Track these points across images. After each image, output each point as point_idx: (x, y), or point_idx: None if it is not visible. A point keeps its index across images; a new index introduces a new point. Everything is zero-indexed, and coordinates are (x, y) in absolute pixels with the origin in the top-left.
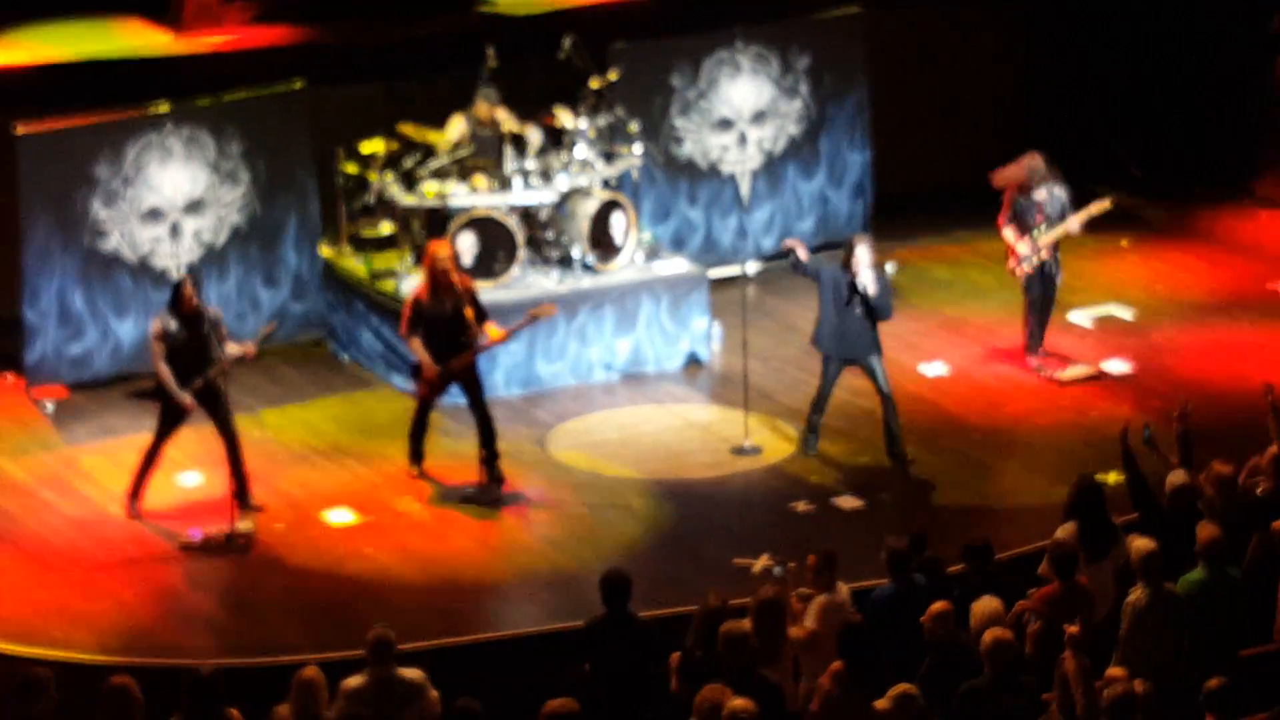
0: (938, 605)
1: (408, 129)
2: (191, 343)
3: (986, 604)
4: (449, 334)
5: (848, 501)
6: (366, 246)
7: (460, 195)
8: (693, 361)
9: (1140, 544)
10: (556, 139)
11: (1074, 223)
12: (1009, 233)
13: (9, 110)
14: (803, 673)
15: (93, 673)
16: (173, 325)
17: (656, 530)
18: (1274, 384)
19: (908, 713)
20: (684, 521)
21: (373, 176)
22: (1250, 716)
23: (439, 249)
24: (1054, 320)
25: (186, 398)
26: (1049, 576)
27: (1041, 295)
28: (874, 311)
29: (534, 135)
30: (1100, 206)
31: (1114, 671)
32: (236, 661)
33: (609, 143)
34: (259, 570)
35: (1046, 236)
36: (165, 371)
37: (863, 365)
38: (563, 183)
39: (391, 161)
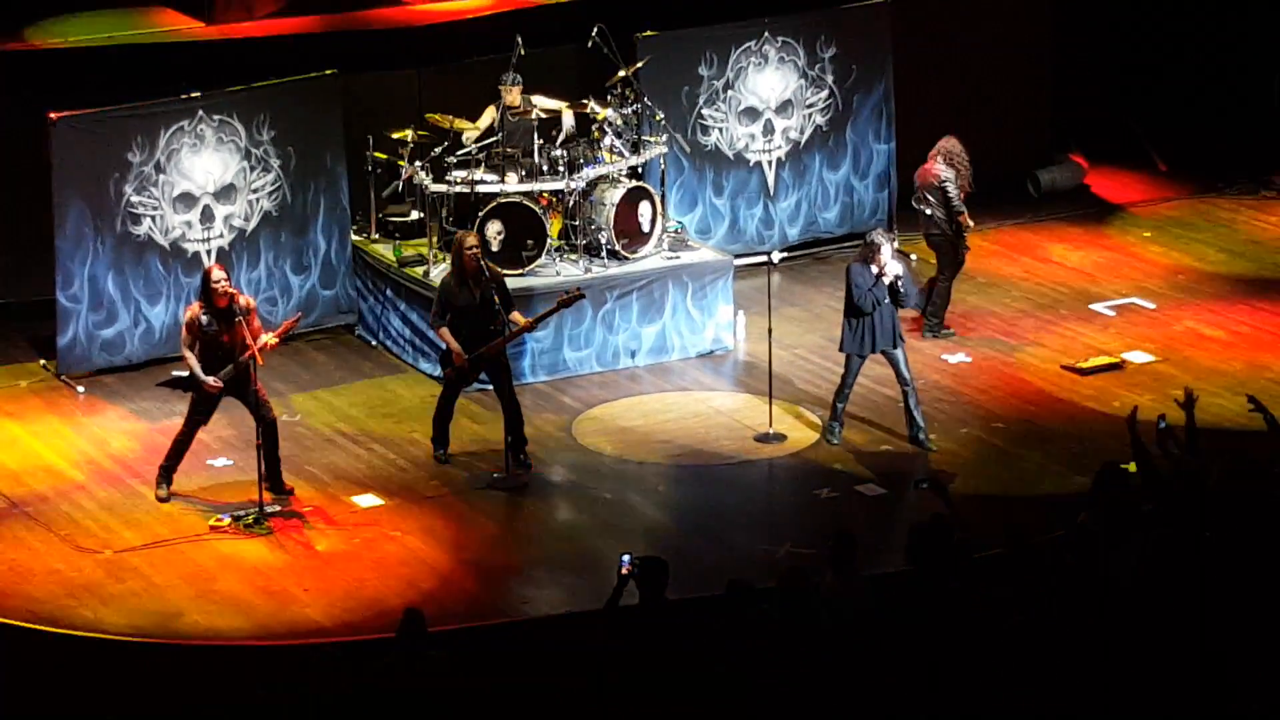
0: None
1: (436, 117)
2: (223, 334)
3: None
4: (477, 322)
5: (871, 489)
6: (395, 233)
7: (488, 182)
8: (718, 349)
9: None
10: (585, 127)
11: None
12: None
13: (43, 96)
14: None
15: (123, 652)
16: (205, 318)
17: (681, 516)
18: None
19: None
20: (708, 508)
21: (402, 163)
22: None
23: (466, 237)
24: (1077, 310)
25: (211, 380)
26: None
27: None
28: (900, 300)
29: (568, 119)
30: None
31: None
32: (265, 642)
33: (636, 131)
34: (287, 553)
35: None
36: (190, 357)
37: (885, 353)
38: (590, 171)
39: (420, 149)
